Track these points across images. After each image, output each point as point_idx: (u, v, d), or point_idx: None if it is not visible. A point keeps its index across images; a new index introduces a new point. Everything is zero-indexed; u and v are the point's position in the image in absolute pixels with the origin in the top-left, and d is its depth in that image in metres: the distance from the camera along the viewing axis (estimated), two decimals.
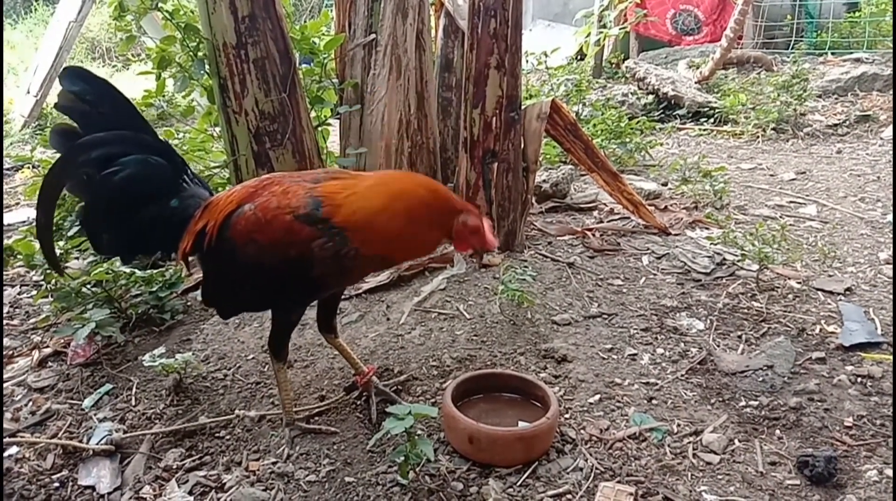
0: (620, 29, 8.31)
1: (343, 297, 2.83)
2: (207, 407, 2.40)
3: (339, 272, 1.96)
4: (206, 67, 3.11)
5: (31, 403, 2.53)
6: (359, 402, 2.33)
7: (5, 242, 3.15)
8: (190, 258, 2.15)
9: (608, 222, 3.87)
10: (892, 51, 7.66)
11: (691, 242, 3.53)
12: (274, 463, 2.07)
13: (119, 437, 2.24)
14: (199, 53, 3.13)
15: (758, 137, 6.03)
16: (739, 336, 2.69)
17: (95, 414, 2.43)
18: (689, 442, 2.10)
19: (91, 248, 2.87)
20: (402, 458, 1.82)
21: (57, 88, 8.32)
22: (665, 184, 4.68)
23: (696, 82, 7.28)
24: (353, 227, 1.87)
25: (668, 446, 2.09)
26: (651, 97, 7.09)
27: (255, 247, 1.92)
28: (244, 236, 1.94)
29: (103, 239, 2.16)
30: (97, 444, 2.22)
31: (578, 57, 9.43)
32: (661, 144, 5.84)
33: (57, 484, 2.12)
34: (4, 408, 2.49)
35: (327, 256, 1.89)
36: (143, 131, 2.14)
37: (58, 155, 2.04)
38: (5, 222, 4.38)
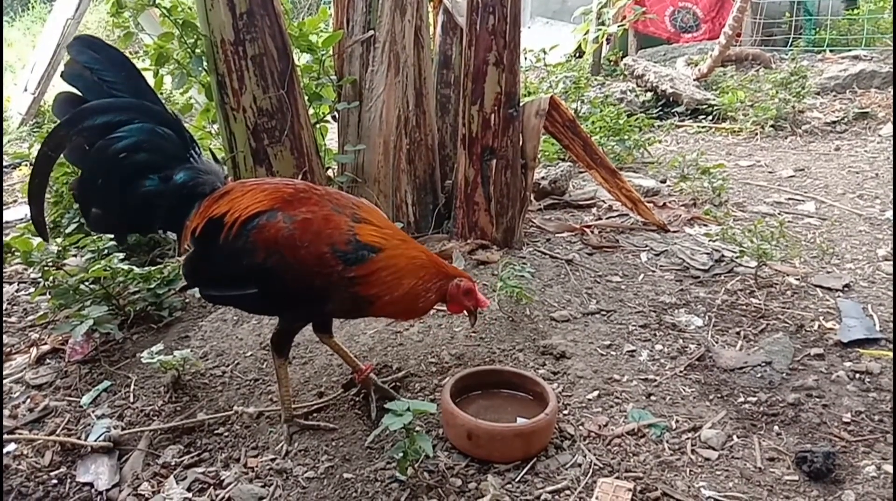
0: (619, 26, 8.31)
1: None
2: (206, 404, 2.40)
3: (350, 310, 2.05)
4: (204, 63, 3.10)
5: (29, 400, 2.52)
6: (357, 399, 2.33)
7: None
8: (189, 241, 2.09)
9: (607, 218, 3.87)
10: (890, 48, 7.66)
11: (690, 239, 3.53)
12: (272, 460, 2.07)
13: (117, 434, 2.25)
14: (197, 50, 3.12)
15: (756, 134, 6.03)
16: (738, 333, 2.69)
17: (93, 411, 2.42)
18: (688, 438, 2.10)
19: (94, 243, 2.89)
20: (401, 454, 1.82)
21: (54, 85, 8.33)
22: (663, 181, 4.68)
23: (694, 80, 7.27)
24: (371, 294, 1.95)
25: (667, 442, 2.09)
26: (649, 94, 7.09)
27: (280, 261, 1.91)
28: (271, 244, 1.91)
29: (99, 214, 2.09)
30: (95, 441, 2.22)
31: (577, 54, 9.42)
32: (660, 142, 5.83)
33: (55, 481, 2.12)
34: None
35: (346, 296, 1.93)
36: (151, 100, 2.09)
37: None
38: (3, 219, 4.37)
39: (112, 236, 2.72)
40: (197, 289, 2.18)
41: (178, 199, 2.06)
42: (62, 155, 2.06)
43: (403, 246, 2.00)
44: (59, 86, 9.06)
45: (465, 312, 2.12)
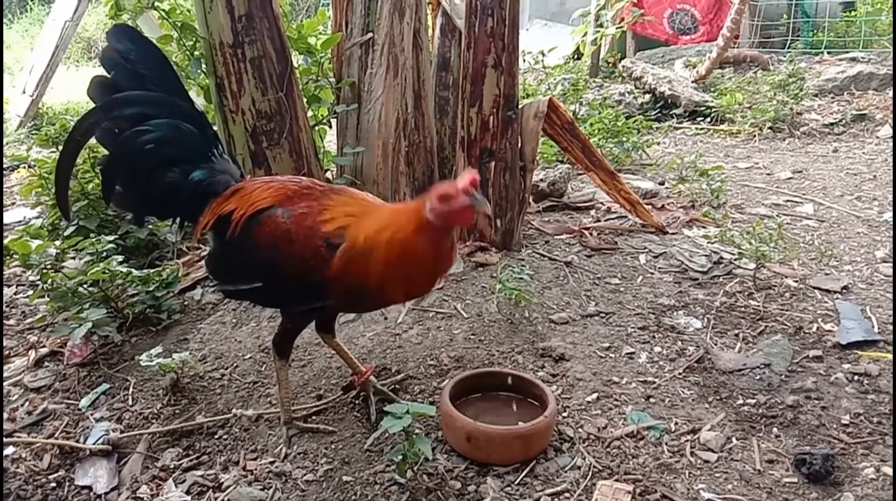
0: (617, 28, 8.32)
1: None
2: (205, 407, 2.39)
3: (353, 303, 2.03)
4: (203, 66, 3.10)
5: (27, 403, 2.52)
6: (356, 401, 2.33)
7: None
8: (204, 233, 2.16)
9: (605, 221, 3.87)
10: (887, 50, 7.68)
11: (688, 240, 3.53)
12: (271, 463, 2.07)
13: (116, 437, 2.24)
14: (196, 53, 3.12)
15: (754, 136, 6.04)
16: (737, 335, 2.69)
17: (92, 414, 2.42)
18: (687, 441, 2.10)
19: (93, 245, 2.90)
20: (401, 457, 1.82)
21: (53, 87, 8.32)
22: (662, 183, 4.68)
23: (692, 81, 7.28)
24: (350, 275, 1.87)
25: (666, 444, 2.09)
26: (648, 96, 7.10)
27: (278, 254, 1.93)
28: (270, 239, 1.94)
29: (120, 193, 2.18)
30: (94, 444, 2.22)
31: (575, 56, 9.43)
32: (658, 144, 5.84)
33: (54, 484, 2.12)
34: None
35: (343, 292, 1.91)
36: (180, 96, 2.17)
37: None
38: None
39: (130, 215, 2.84)
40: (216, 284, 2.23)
41: (193, 195, 2.13)
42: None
43: (363, 221, 1.88)
44: (57, 88, 9.02)
45: (471, 213, 1.79)
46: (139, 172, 2.11)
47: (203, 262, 2.48)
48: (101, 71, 2.13)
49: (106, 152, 2.17)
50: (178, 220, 2.33)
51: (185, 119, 2.13)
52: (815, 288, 3.03)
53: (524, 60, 6.73)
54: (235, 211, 2.03)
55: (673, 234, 3.64)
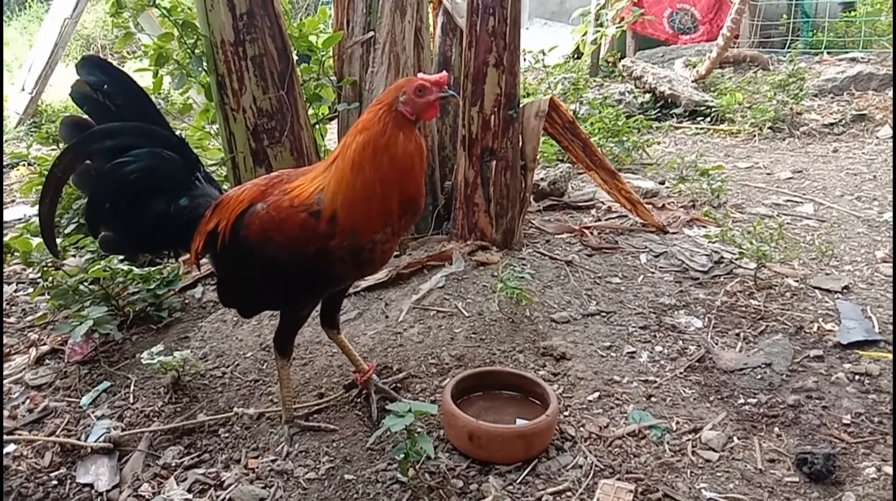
0: (617, 28, 8.32)
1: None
2: (206, 405, 2.39)
3: (358, 264, 1.96)
4: (204, 64, 3.09)
5: (28, 400, 2.52)
6: (358, 400, 2.33)
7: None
8: (202, 260, 2.14)
9: (606, 220, 3.87)
10: (887, 50, 7.69)
11: (689, 240, 3.53)
12: (273, 461, 2.07)
13: (117, 435, 2.24)
14: (197, 51, 3.11)
15: (754, 135, 6.04)
16: (737, 334, 2.70)
17: (93, 412, 2.42)
18: (689, 440, 2.11)
19: (93, 243, 2.89)
20: (402, 455, 1.82)
21: (52, 84, 8.30)
22: (662, 182, 4.69)
23: (692, 81, 7.29)
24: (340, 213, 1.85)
25: (668, 443, 2.09)
26: (648, 96, 7.10)
27: (272, 246, 1.92)
28: (259, 235, 1.93)
29: (108, 235, 2.13)
30: (95, 442, 2.21)
31: (575, 55, 9.43)
32: (659, 143, 5.84)
33: (55, 482, 2.12)
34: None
35: (345, 252, 1.89)
36: (158, 124, 2.12)
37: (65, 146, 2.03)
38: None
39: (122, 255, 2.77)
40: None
41: (181, 223, 2.10)
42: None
43: (337, 164, 1.89)
44: (56, 86, 9.00)
45: (438, 107, 1.91)
46: (125, 206, 2.05)
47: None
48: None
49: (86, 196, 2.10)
50: (172, 252, 2.30)
51: (166, 146, 2.09)
52: (815, 288, 3.04)
53: (524, 59, 6.74)
54: (219, 223, 2.02)
55: (674, 233, 3.64)
